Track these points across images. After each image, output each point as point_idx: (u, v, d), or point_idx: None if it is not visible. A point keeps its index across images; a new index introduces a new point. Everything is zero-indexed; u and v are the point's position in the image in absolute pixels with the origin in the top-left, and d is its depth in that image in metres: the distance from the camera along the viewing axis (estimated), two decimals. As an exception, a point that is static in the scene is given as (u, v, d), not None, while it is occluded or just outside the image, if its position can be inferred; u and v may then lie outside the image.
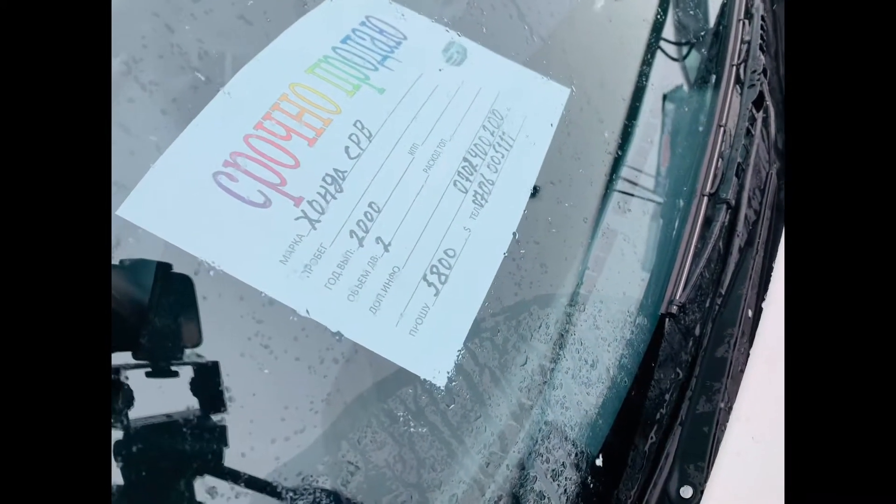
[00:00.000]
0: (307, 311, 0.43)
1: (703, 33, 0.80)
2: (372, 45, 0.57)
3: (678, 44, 0.79)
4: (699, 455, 0.42)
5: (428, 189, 0.50)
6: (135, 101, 0.44)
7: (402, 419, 0.38)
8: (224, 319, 0.40)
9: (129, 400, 0.36)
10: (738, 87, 0.67)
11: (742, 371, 0.46)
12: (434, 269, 0.47)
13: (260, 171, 0.45)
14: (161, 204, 0.42)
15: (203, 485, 0.33)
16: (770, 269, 0.53)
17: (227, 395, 0.36)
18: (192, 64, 0.47)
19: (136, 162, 0.43)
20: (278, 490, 0.34)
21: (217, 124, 0.46)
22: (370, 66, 0.55)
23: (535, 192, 0.55)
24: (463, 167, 0.53)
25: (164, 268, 0.42)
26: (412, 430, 0.38)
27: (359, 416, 0.38)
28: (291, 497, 0.33)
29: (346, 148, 0.49)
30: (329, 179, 0.47)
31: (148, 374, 0.38)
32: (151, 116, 0.45)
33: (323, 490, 0.34)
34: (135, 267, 0.42)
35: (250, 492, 0.33)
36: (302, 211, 0.45)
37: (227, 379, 0.37)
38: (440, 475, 0.38)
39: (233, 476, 0.33)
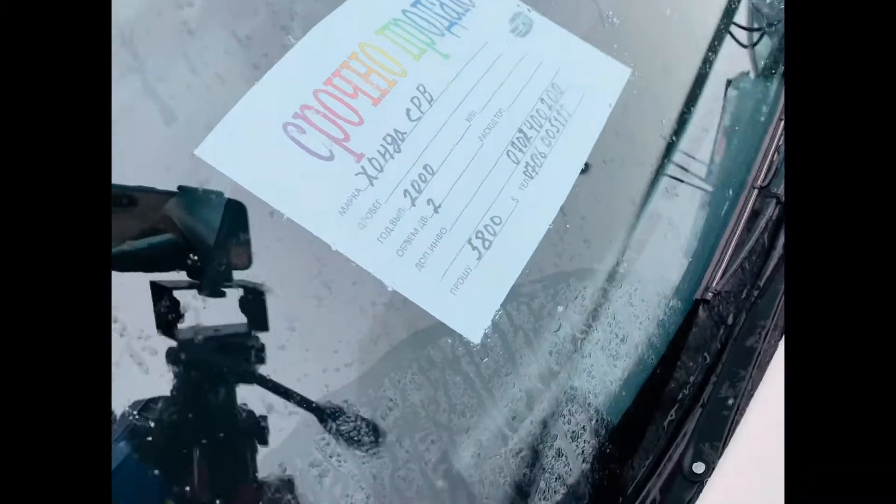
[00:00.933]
0: (358, 260, 0.46)
1: (777, 21, 0.78)
2: (441, 10, 0.58)
3: (750, 29, 0.77)
4: (716, 436, 0.44)
5: (481, 157, 0.52)
6: (221, 47, 0.48)
7: (438, 366, 0.42)
8: (288, 257, 0.43)
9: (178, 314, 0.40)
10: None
11: (769, 362, 0.47)
12: (479, 235, 0.50)
13: (326, 125, 0.48)
14: (234, 148, 0.46)
15: (258, 397, 0.37)
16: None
17: (287, 324, 0.40)
18: (273, 17, 0.50)
19: (215, 105, 0.46)
20: (325, 413, 0.37)
21: (290, 77, 0.49)
22: (437, 32, 0.56)
23: (586, 168, 0.56)
24: (517, 138, 0.54)
25: (221, 199, 0.45)
26: (447, 377, 0.41)
27: (399, 359, 0.41)
28: (336, 422, 0.37)
29: (408, 110, 0.51)
30: (389, 139, 0.50)
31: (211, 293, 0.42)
32: (235, 63, 0.48)
33: (363, 419, 0.38)
34: (195, 195, 0.45)
35: (300, 411, 0.37)
36: (362, 167, 0.48)
37: (287, 310, 0.40)
38: (468, 421, 0.41)
39: (285, 394, 0.37)
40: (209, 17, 0.50)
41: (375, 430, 0.38)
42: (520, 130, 0.55)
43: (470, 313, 0.47)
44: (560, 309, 0.47)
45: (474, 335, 0.47)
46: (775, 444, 0.38)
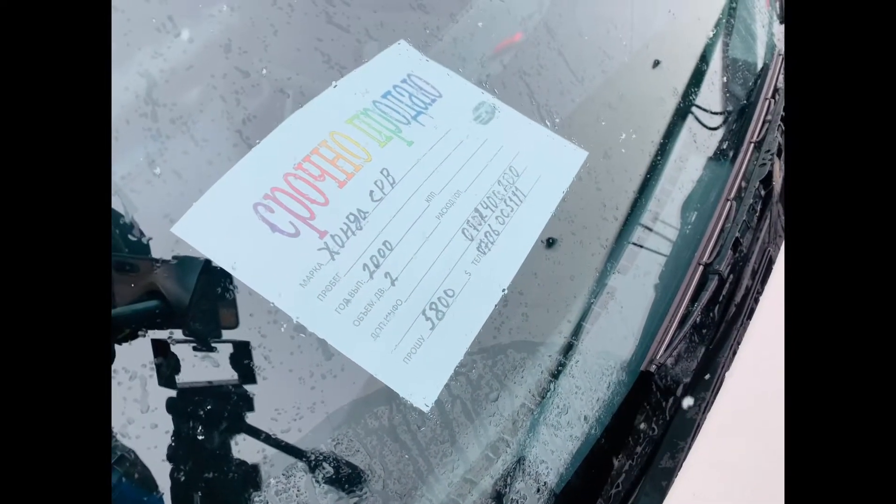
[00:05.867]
0: (316, 330, 0.49)
1: (730, 109, 0.84)
2: (409, 101, 0.64)
3: (704, 120, 0.83)
4: (655, 505, 0.45)
5: (438, 234, 0.56)
6: (198, 135, 0.53)
7: (381, 431, 0.44)
8: (253, 323, 0.47)
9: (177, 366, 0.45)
10: (752, 162, 0.71)
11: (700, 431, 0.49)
12: (433, 306, 0.53)
13: (294, 205, 0.53)
14: (208, 226, 0.50)
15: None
16: (742, 335, 0.56)
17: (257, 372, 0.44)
18: (250, 106, 0.56)
19: (190, 187, 0.51)
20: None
21: (263, 162, 0.54)
22: (403, 121, 0.62)
23: (542, 244, 0.60)
24: (472, 217, 0.59)
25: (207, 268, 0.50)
26: (387, 443, 0.44)
27: (350, 418, 0.45)
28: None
29: (371, 192, 0.56)
30: (352, 218, 0.54)
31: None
32: (210, 150, 0.53)
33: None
34: (184, 264, 0.50)
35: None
36: (324, 243, 0.52)
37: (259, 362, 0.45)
38: (405, 487, 0.43)
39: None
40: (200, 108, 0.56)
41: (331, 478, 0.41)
42: (476, 210, 0.59)
43: (420, 383, 0.50)
44: (500, 381, 0.50)
45: (424, 404, 0.49)
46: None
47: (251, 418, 0.45)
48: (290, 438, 0.43)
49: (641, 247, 0.65)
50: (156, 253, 0.50)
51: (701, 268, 0.60)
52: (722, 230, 0.63)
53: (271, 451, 0.42)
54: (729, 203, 0.66)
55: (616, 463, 0.49)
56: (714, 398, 0.51)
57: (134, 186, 0.51)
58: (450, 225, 0.57)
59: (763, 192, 0.66)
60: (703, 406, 0.51)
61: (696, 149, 0.77)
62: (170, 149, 0.51)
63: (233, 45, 0.58)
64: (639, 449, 0.51)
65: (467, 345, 0.52)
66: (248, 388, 0.46)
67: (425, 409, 0.49)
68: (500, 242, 0.58)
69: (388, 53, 0.68)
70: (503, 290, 0.55)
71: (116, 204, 0.50)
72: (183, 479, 0.40)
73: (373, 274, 0.53)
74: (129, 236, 0.50)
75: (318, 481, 0.41)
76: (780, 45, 0.93)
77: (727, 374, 0.53)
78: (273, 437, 0.43)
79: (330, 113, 0.59)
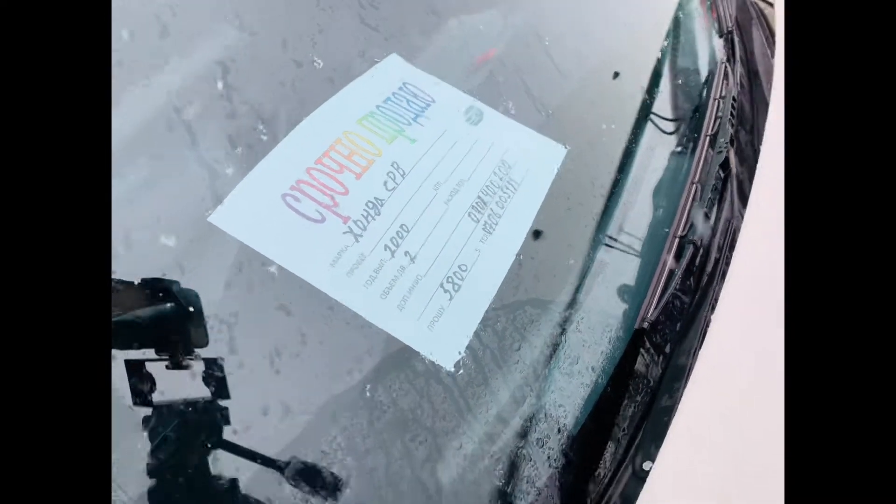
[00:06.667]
0: (348, 304, 0.54)
1: (687, 107, 0.94)
2: (407, 105, 0.71)
3: (665, 119, 0.93)
4: (659, 438, 0.51)
5: (448, 217, 0.62)
6: (231, 134, 0.58)
7: (427, 375, 0.49)
8: (295, 299, 0.52)
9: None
10: (710, 152, 0.80)
11: (692, 374, 0.56)
12: (450, 280, 0.59)
13: (317, 195, 0.58)
14: (242, 215, 0.55)
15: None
16: (718, 294, 0.64)
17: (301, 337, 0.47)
18: (271, 108, 0.61)
19: (225, 181, 0.56)
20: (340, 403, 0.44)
21: (288, 157, 0.59)
22: (405, 122, 0.69)
23: (539, 226, 0.67)
24: (476, 202, 0.65)
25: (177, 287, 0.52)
26: (433, 385, 0.49)
27: (385, 377, 0.49)
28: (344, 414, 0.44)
29: (385, 182, 0.62)
30: (370, 205, 0.60)
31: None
32: (241, 146, 0.58)
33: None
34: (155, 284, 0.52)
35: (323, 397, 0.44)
36: (348, 227, 0.58)
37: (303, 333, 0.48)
38: (450, 424, 0.48)
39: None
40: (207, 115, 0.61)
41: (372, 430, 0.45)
42: (478, 196, 0.66)
43: (444, 346, 0.56)
44: (521, 333, 0.56)
45: (449, 364, 0.54)
46: (699, 442, 0.46)
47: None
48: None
49: (622, 228, 0.73)
50: (189, 242, 0.54)
51: (678, 239, 0.68)
52: (691, 208, 0.72)
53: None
54: (695, 185, 0.75)
55: (622, 406, 0.55)
56: (700, 346, 0.58)
57: (168, 177, 0.55)
58: (457, 209, 0.63)
59: (722, 175, 0.75)
60: (692, 352, 0.58)
61: (661, 143, 0.86)
62: (201, 142, 0.56)
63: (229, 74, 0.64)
64: (639, 394, 0.57)
65: (482, 313, 0.58)
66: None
67: (451, 369, 0.54)
68: (502, 223, 0.65)
69: (382, 66, 0.74)
70: (518, 255, 0.61)
71: (151, 195, 0.54)
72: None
73: (394, 253, 0.58)
74: (164, 228, 0.54)
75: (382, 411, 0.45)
76: (721, 54, 1.05)
77: (709, 325, 0.60)
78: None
79: (340, 115, 0.65)
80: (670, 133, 0.87)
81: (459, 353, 0.55)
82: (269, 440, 0.46)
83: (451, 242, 0.61)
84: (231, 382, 0.47)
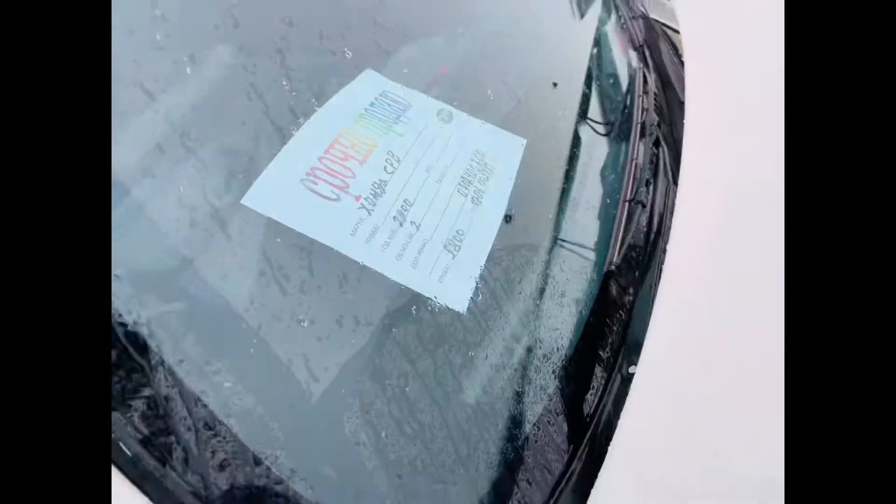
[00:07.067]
0: (370, 265, 0.63)
1: (619, 103, 1.10)
2: (389, 108, 0.82)
3: (601, 123, 1.08)
4: (639, 347, 0.62)
5: (441, 193, 0.73)
6: (258, 130, 0.66)
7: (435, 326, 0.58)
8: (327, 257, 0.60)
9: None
10: (642, 135, 0.95)
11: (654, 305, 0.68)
12: (451, 242, 0.69)
13: (330, 178, 0.67)
14: (270, 196, 0.63)
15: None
16: (667, 240, 0.78)
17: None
18: (287, 107, 0.70)
19: (252, 169, 0.64)
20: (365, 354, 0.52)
21: (300, 149, 0.68)
22: (391, 121, 0.79)
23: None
24: (462, 181, 0.76)
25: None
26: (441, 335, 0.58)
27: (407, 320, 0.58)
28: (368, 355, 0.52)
29: (384, 167, 0.72)
30: (376, 184, 0.69)
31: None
32: (264, 139, 0.66)
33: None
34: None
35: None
36: (361, 204, 0.67)
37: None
38: (476, 338, 0.57)
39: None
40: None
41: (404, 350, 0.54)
42: (462, 177, 0.77)
43: (454, 294, 0.65)
44: (516, 277, 0.66)
45: (460, 308, 0.64)
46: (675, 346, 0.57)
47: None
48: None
49: (582, 197, 0.86)
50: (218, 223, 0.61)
51: (628, 203, 0.81)
52: (635, 178, 0.86)
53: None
54: (634, 163, 0.89)
55: (606, 331, 0.66)
56: (659, 279, 0.70)
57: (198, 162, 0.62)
58: (448, 187, 0.74)
59: (655, 151, 0.90)
60: (653, 285, 0.70)
61: (603, 133, 1.01)
62: (226, 132, 0.64)
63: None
64: (618, 315, 0.69)
65: (480, 266, 0.68)
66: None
67: (463, 311, 0.64)
68: (486, 197, 0.76)
69: (361, 79, 0.85)
70: (506, 218, 0.72)
71: (186, 179, 0.61)
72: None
73: (402, 223, 0.68)
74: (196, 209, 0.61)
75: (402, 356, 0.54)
76: (636, 63, 1.23)
77: (663, 265, 0.73)
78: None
79: (337, 116, 0.75)
80: (609, 124, 1.02)
81: (467, 299, 0.65)
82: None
83: (448, 213, 0.71)
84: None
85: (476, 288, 0.65)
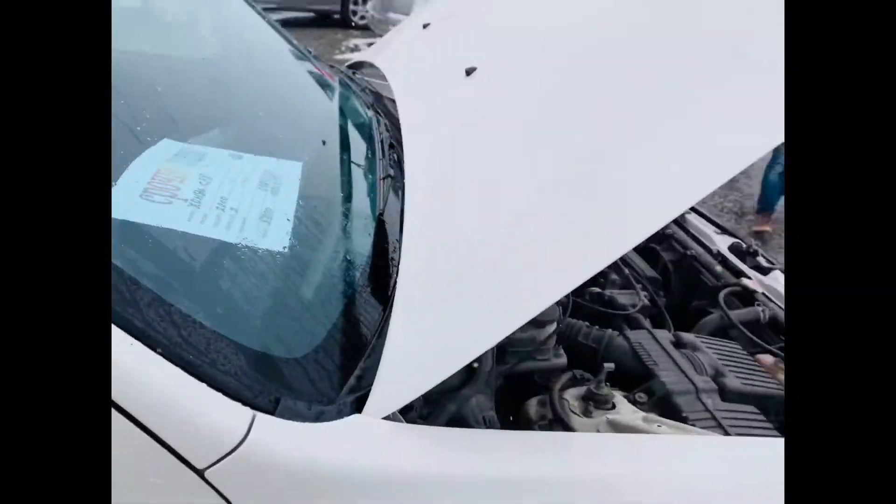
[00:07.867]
0: (210, 236, 0.89)
1: (367, 138, 1.51)
2: (191, 156, 1.09)
3: (359, 148, 1.48)
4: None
5: (248, 191, 1.02)
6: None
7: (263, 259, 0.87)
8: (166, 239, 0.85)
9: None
10: (386, 153, 1.36)
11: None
12: (263, 217, 0.98)
13: (161, 192, 0.92)
14: (126, 202, 0.86)
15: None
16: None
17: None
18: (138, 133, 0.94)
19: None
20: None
21: (141, 168, 0.92)
22: (195, 160, 1.07)
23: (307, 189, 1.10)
24: (260, 184, 1.06)
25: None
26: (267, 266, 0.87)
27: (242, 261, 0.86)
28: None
29: (200, 181, 0.99)
30: (197, 191, 0.96)
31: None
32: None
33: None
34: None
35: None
36: (189, 202, 0.93)
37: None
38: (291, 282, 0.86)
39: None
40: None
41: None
42: (260, 181, 1.07)
43: (272, 242, 0.94)
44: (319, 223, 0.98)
45: (280, 247, 0.93)
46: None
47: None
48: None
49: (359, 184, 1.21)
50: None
51: (383, 180, 1.19)
52: (385, 167, 1.25)
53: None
54: (383, 161, 1.29)
55: (387, 238, 1.00)
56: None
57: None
58: (252, 187, 1.03)
59: (392, 153, 1.31)
60: (401, 211, 1.07)
61: (360, 155, 1.40)
62: None
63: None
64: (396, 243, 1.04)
65: (290, 226, 0.98)
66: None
67: (283, 249, 0.92)
68: (282, 190, 1.07)
69: (161, 144, 1.12)
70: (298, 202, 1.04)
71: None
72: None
73: (224, 210, 0.95)
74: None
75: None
76: (371, 114, 1.68)
77: (405, 201, 1.11)
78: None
79: (154, 158, 1.01)
80: (365, 151, 1.42)
81: (283, 246, 0.94)
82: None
83: (256, 200, 1.00)
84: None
85: (289, 235, 0.95)
